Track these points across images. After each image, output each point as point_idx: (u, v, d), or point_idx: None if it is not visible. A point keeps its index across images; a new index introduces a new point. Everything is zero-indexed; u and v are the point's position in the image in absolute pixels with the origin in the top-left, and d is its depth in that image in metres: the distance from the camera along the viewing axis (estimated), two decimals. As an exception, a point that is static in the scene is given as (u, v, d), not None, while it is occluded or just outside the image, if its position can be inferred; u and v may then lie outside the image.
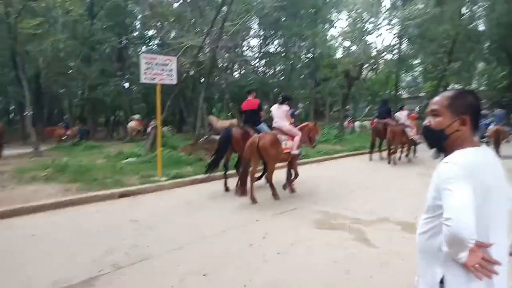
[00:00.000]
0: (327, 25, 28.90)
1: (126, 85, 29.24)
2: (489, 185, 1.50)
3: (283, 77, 30.20)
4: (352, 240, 4.66)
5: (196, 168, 9.49)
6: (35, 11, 18.79)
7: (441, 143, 1.66)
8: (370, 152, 12.98)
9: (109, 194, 7.09)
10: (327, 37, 27.90)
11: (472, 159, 1.52)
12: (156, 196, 7.43)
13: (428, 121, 1.70)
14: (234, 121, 17.45)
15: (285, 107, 7.36)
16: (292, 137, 7.21)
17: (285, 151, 6.97)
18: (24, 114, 22.33)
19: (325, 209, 6.13)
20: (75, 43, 23.53)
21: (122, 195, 7.21)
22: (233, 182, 7.66)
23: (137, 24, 29.12)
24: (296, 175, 7.44)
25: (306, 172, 9.26)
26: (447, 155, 1.60)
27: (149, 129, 16.48)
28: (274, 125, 7.40)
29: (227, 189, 7.63)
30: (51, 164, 9.49)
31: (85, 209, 6.35)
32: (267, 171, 7.13)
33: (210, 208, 6.38)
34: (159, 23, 19.94)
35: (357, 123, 27.33)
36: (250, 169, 6.80)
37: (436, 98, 1.69)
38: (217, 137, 10.62)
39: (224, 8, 13.69)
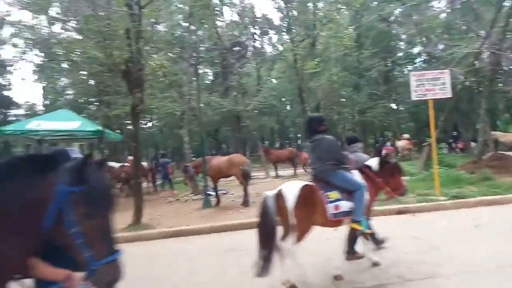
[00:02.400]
0: None
1: (393, 105, 29.56)
2: None
3: None
4: None
5: (481, 188, 8.39)
6: (315, 54, 22.47)
7: None
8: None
9: (386, 209, 7.37)
10: None
11: None
12: (436, 215, 7.09)
13: None
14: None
15: None
16: None
17: None
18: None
19: None
20: (346, 74, 26.15)
21: (400, 212, 7.33)
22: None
23: (401, 44, 29.24)
24: None
25: None
26: None
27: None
28: None
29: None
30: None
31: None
32: None
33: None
34: (424, 39, 19.20)
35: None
36: None
37: None
38: (508, 153, 9.00)
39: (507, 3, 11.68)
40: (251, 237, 6.36)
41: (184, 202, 10.97)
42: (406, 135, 22.69)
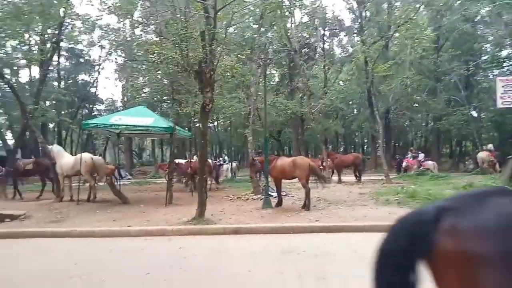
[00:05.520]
0: None
1: (474, 113, 27.10)
2: None
3: None
4: None
5: None
6: (387, 56, 21.47)
7: None
8: None
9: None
10: None
11: None
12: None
13: None
14: None
15: None
16: None
17: None
18: (377, 146, 25.42)
19: None
20: (421, 77, 24.58)
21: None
22: None
23: (487, 47, 26.70)
24: None
25: None
26: None
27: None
28: None
29: None
30: (401, 191, 10.31)
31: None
32: None
33: None
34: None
35: None
36: None
37: None
38: None
39: None
40: (310, 240, 6.32)
41: (245, 201, 11.16)
42: (490, 146, 20.66)
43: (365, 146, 46.88)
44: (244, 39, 19.24)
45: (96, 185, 11.63)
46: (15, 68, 19.70)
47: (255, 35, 17.87)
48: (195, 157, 16.74)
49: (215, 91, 8.73)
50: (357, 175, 16.81)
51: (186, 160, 16.45)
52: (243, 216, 8.32)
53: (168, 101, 23.80)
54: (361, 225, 7.10)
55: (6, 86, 15.33)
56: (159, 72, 15.59)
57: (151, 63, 10.80)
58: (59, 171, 11.15)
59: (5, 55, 17.72)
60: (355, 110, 36.14)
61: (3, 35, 15.79)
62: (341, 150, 39.82)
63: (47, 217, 8.70)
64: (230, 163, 22.14)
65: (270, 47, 20.97)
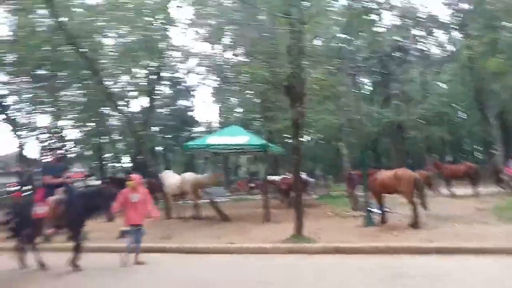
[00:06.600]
0: None
1: None
2: None
3: None
4: None
5: None
6: (498, 50, 18.82)
7: None
8: None
9: None
10: None
11: None
12: None
13: None
14: None
15: None
16: None
17: None
18: (492, 152, 22.29)
19: None
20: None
21: None
22: None
23: None
24: None
25: None
26: None
27: None
28: None
29: None
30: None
31: None
32: None
33: None
34: None
35: None
36: None
37: None
38: None
39: None
40: (422, 263, 5.62)
41: (344, 218, 10.60)
42: None
43: (477, 153, 41.47)
44: (330, 49, 18.85)
45: (199, 202, 12.31)
46: (127, 99, 22.38)
47: (342, 45, 17.39)
48: (288, 173, 16.70)
49: (305, 105, 8.57)
50: (473, 187, 14.70)
51: (280, 177, 16.48)
52: (344, 234, 7.87)
53: (260, 119, 24.42)
54: (482, 246, 6.12)
55: (121, 115, 17.42)
56: (250, 91, 16.10)
57: (241, 83, 11.19)
58: (168, 190, 12.12)
59: (119, 89, 20.25)
60: (462, 114, 32.35)
61: (118, 71, 18.16)
62: (449, 160, 35.84)
63: (158, 233, 9.39)
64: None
65: (359, 54, 20.18)
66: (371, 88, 29.04)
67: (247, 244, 7.53)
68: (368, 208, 9.16)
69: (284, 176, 16.26)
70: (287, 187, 13.52)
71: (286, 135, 17.32)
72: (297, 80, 7.79)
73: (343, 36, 17.72)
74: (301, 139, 8.91)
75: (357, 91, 18.61)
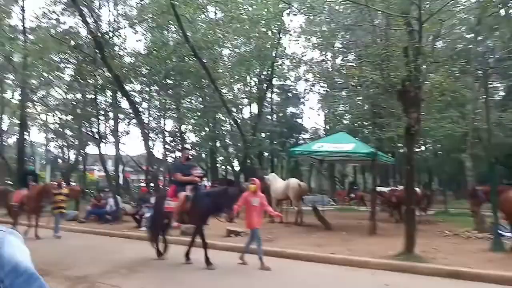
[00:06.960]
0: None
1: None
2: None
3: None
4: None
5: None
6: None
7: None
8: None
9: None
10: None
11: None
12: None
13: None
14: None
15: None
16: None
17: None
18: None
19: None
20: None
21: None
22: None
23: None
24: None
25: None
26: None
27: None
28: None
29: None
30: None
31: None
32: None
33: None
34: None
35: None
36: None
37: None
38: None
39: None
40: None
41: (465, 239, 9.33)
42: None
43: None
44: (455, 52, 16.89)
45: (301, 209, 12.31)
46: (239, 106, 23.76)
47: (470, 46, 15.43)
48: (398, 185, 15.50)
49: (422, 111, 7.85)
50: None
51: (389, 188, 15.41)
52: (464, 258, 6.91)
53: (369, 126, 23.31)
54: None
55: (233, 122, 18.56)
56: (359, 97, 15.50)
57: (353, 86, 10.84)
58: (273, 195, 12.44)
59: (232, 96, 21.65)
60: None
61: (232, 80, 19.45)
62: None
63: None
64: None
65: (491, 56, 17.65)
66: (504, 93, 25.08)
67: (348, 256, 7.18)
68: (498, 231, 7.91)
69: (393, 188, 15.16)
70: (397, 200, 12.55)
71: (398, 144, 16.14)
72: (413, 83, 7.18)
73: (471, 36, 15.67)
74: (415, 148, 8.20)
75: (487, 97, 16.23)
